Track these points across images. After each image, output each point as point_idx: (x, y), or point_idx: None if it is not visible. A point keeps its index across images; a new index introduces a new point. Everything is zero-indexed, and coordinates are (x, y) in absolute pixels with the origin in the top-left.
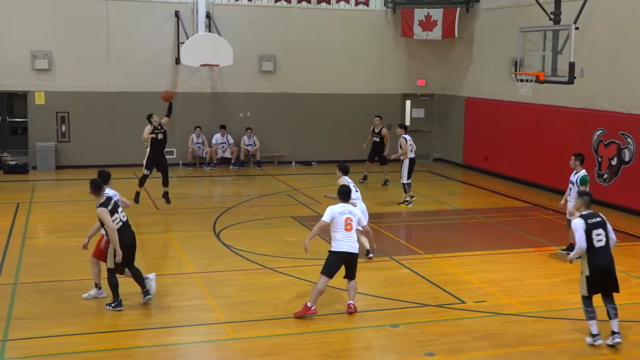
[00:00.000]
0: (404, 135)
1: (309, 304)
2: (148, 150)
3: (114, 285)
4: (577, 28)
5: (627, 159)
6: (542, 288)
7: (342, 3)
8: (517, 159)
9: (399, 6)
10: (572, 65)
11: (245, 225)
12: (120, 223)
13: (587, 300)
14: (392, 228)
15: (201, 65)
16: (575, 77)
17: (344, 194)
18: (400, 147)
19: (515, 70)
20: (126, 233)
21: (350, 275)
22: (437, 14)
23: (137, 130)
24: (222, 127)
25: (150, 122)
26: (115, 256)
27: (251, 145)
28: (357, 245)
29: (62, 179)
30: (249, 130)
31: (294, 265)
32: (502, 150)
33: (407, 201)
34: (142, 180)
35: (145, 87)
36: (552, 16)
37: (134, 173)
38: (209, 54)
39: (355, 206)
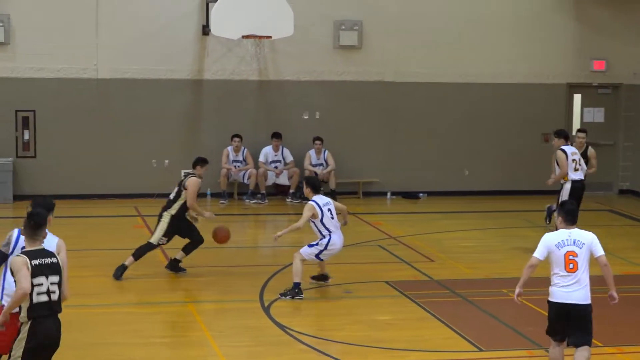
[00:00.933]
0: (562, 147)
1: None
2: (172, 213)
3: None
4: None
5: None
6: None
7: None
8: None
9: None
10: None
11: (312, 293)
12: (45, 297)
13: None
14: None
15: (243, 37)
16: None
17: (570, 213)
18: (558, 165)
19: None
20: (46, 320)
21: (575, 338)
22: None
23: (142, 141)
24: (276, 136)
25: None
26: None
27: (321, 165)
28: (583, 292)
29: (23, 216)
30: (318, 142)
31: None
32: None
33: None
34: (144, 252)
35: (155, 72)
36: None
37: (136, 208)
38: (255, 20)
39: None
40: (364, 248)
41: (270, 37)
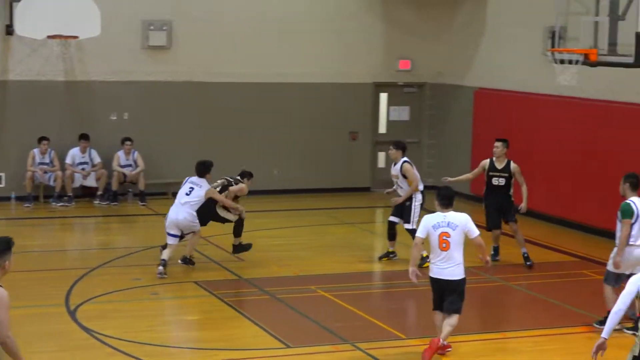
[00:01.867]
0: (406, 159)
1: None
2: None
3: None
4: None
5: None
6: None
7: None
8: (558, 187)
9: None
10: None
11: (119, 296)
12: None
13: None
14: (356, 298)
15: (49, 37)
16: None
17: (445, 197)
18: (405, 178)
19: (552, 46)
20: None
21: (445, 306)
22: None
23: None
24: (83, 137)
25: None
26: None
27: (130, 166)
28: (456, 269)
29: None
30: (129, 143)
31: None
32: (533, 172)
33: (391, 253)
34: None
35: None
36: None
37: None
38: (61, 19)
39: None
40: None
41: (76, 37)
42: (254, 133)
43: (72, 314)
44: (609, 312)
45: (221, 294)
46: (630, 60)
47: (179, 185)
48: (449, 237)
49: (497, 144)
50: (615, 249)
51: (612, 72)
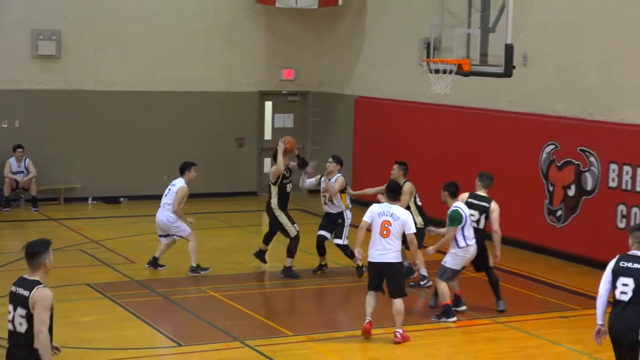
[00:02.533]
0: (342, 175)
1: (365, 319)
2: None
3: None
4: None
5: (589, 187)
6: None
7: None
8: (436, 194)
9: None
10: (509, 49)
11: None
12: (10, 326)
13: None
14: (245, 297)
15: None
16: (514, 67)
17: (392, 191)
18: (328, 189)
19: (427, 57)
20: (9, 350)
21: (390, 291)
22: None
23: None
24: None
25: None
26: None
27: (22, 173)
28: (394, 254)
29: None
30: (20, 150)
31: None
32: (411, 180)
33: (324, 266)
34: (295, 248)
35: None
36: None
37: None
38: None
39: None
40: (65, 252)
41: None
42: (144, 140)
43: None
44: (444, 306)
45: (114, 296)
46: (500, 70)
47: (70, 191)
48: (390, 225)
49: (394, 166)
50: (451, 250)
51: (485, 81)
